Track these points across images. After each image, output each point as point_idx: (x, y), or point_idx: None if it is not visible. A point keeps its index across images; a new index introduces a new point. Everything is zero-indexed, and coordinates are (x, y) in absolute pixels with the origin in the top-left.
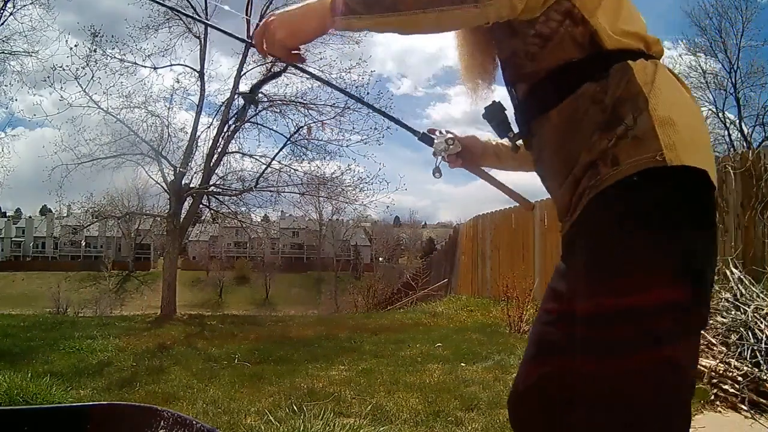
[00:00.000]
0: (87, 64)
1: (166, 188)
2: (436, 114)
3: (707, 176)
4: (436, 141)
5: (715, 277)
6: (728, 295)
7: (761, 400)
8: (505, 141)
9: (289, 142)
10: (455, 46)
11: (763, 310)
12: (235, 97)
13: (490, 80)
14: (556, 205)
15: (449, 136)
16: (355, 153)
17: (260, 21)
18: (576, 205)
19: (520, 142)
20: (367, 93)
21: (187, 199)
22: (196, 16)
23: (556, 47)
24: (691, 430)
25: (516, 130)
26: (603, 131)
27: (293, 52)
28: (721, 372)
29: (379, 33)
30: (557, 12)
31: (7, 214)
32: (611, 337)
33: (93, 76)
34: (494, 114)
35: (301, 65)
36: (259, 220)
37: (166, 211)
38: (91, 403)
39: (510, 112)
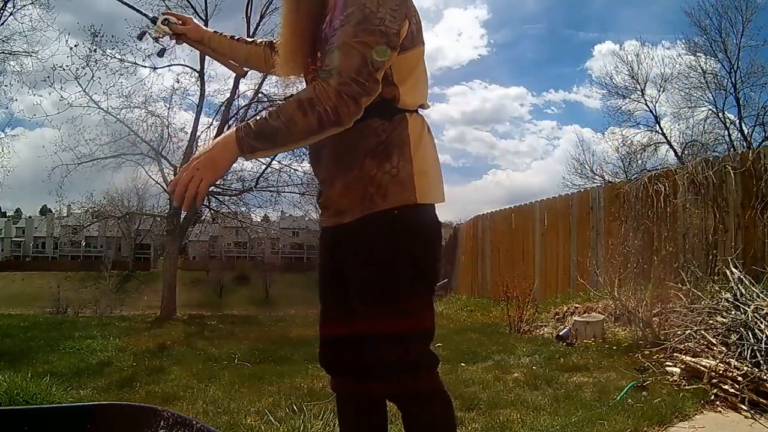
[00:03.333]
0: (87, 64)
1: (166, 188)
2: (435, 114)
3: (433, 208)
4: (158, 21)
5: (715, 277)
6: (728, 295)
7: (761, 400)
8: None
9: None
10: (281, 32)
11: (763, 310)
12: (235, 97)
13: (301, 72)
14: (325, 194)
15: (166, 17)
16: None
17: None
18: (350, 209)
19: None
20: None
21: None
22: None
23: None
24: (691, 430)
25: None
26: (372, 158)
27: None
28: (721, 372)
29: None
30: None
31: (7, 214)
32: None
33: (93, 76)
34: None
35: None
36: (259, 220)
37: (166, 211)
38: (91, 403)
39: None
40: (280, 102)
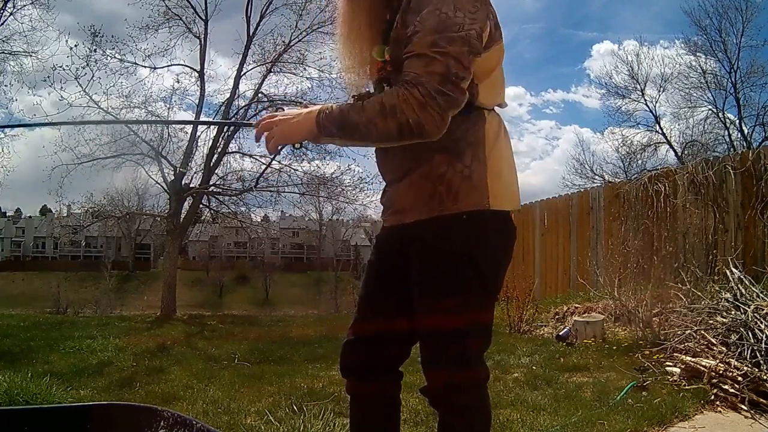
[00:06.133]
0: (87, 64)
1: (166, 188)
2: None
3: (509, 215)
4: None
5: (715, 277)
6: (728, 295)
7: (761, 400)
8: None
9: None
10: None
11: (763, 310)
12: (235, 97)
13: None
14: (389, 192)
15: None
16: (355, 153)
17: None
18: (414, 208)
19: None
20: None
21: (187, 199)
22: None
23: None
24: (691, 430)
25: None
26: (443, 155)
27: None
28: (721, 372)
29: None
30: None
31: (7, 214)
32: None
33: (93, 76)
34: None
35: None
36: (259, 220)
37: (166, 211)
38: (91, 403)
39: None
40: (281, 101)
